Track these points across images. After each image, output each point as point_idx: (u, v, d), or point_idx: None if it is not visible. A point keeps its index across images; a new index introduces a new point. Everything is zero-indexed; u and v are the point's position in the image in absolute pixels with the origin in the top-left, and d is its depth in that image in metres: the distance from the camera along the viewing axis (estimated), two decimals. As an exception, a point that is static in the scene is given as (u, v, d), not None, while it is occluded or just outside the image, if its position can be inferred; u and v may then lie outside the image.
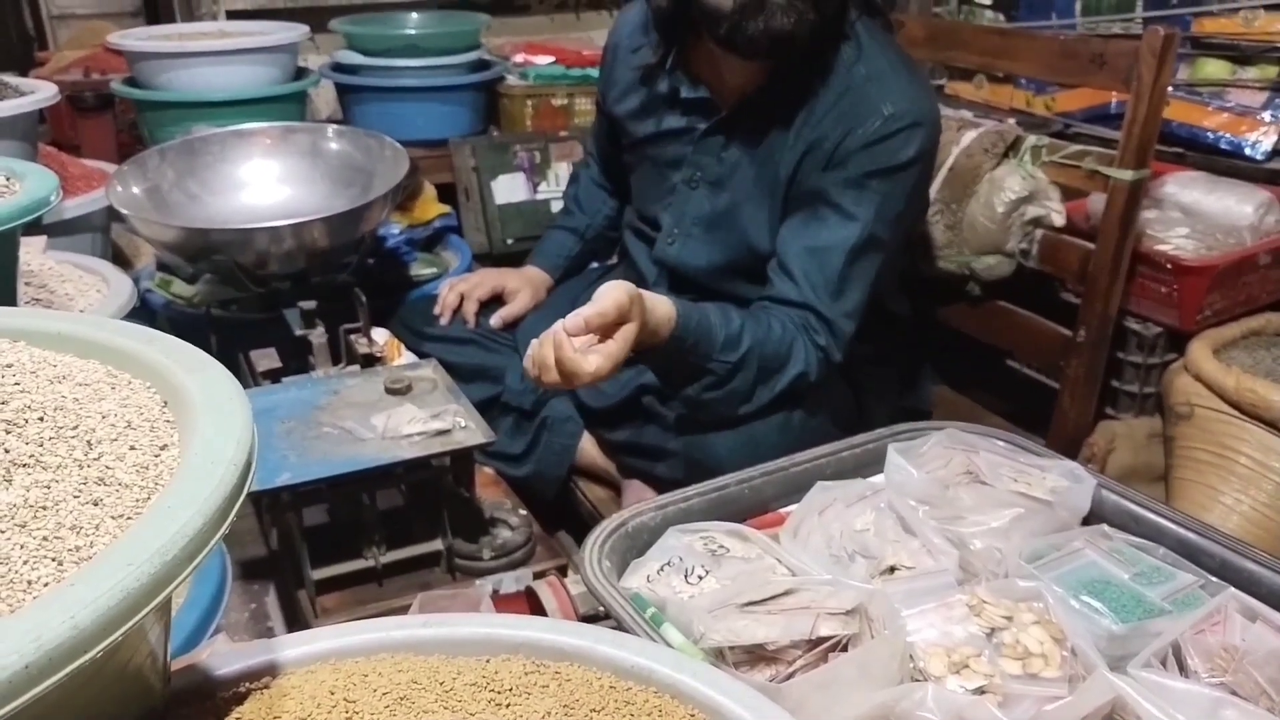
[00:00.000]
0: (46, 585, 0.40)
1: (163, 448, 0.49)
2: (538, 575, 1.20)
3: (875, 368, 1.47)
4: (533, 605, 1.07)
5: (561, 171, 2.23)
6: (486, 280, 1.65)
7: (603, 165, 1.70)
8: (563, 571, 1.21)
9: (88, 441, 0.48)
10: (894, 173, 1.27)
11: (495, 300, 1.64)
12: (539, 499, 1.50)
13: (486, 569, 1.21)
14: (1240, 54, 1.92)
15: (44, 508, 0.43)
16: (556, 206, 2.21)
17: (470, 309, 1.62)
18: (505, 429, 1.51)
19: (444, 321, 1.62)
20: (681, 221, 1.44)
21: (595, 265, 1.78)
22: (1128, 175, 1.44)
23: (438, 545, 1.20)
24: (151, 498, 0.45)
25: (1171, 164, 1.73)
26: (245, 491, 0.46)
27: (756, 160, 1.35)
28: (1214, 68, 1.93)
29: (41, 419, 0.48)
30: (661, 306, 1.16)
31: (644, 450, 1.43)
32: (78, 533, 0.42)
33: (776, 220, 1.35)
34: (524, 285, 1.64)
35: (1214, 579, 0.87)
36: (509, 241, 2.17)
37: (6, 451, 0.45)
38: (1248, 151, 1.73)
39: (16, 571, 0.40)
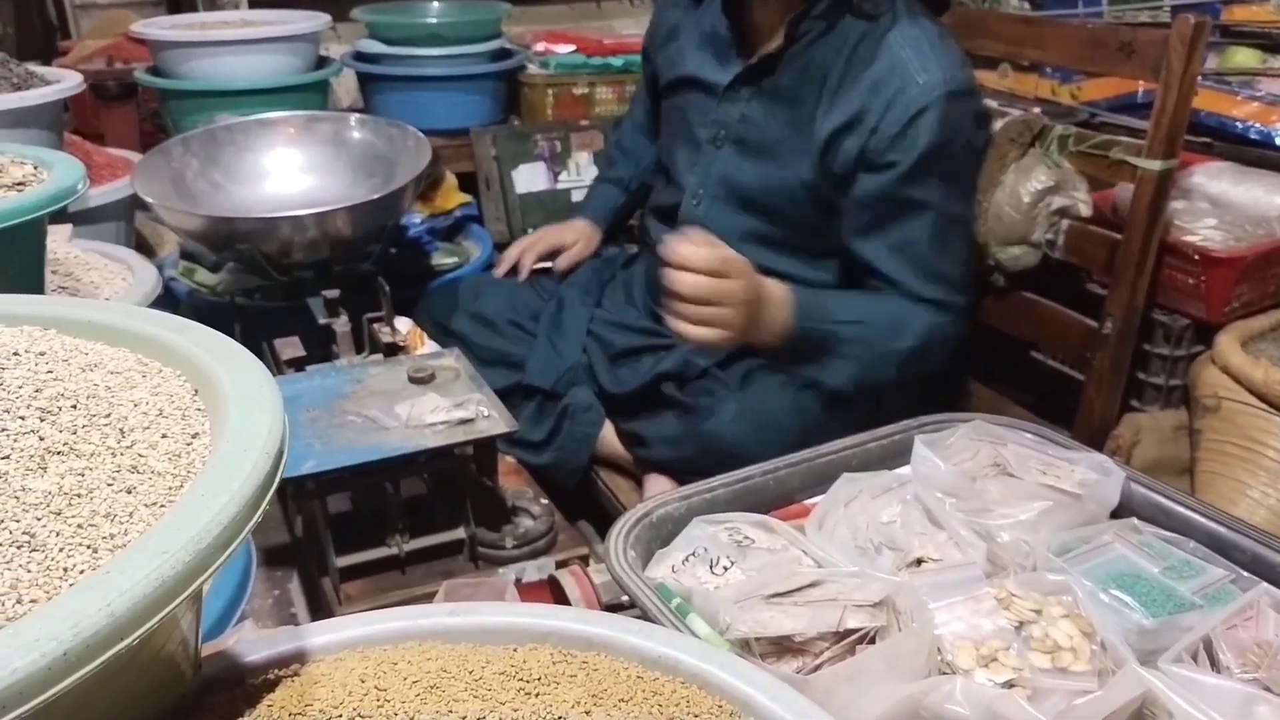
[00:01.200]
0: (82, 573, 0.40)
1: (194, 436, 0.49)
2: (560, 564, 1.20)
3: None
4: (555, 594, 1.07)
5: (582, 161, 2.22)
6: (546, 237, 1.75)
7: (646, 124, 1.74)
8: (585, 561, 1.21)
9: (120, 429, 0.48)
10: (946, 149, 1.28)
11: (552, 258, 1.73)
12: (560, 487, 1.50)
13: (509, 558, 1.22)
14: (1271, 42, 1.89)
15: (78, 495, 0.43)
16: (577, 196, 2.20)
17: (527, 262, 1.71)
18: (527, 415, 1.51)
19: (499, 273, 1.73)
20: (707, 182, 1.44)
21: (615, 250, 1.79)
22: (1156, 165, 1.42)
23: (460, 534, 1.20)
24: (184, 485, 0.45)
25: (1199, 154, 1.70)
26: (277, 479, 0.46)
27: (783, 122, 1.36)
28: (1244, 56, 1.91)
29: (75, 407, 0.48)
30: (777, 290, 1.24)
31: (661, 439, 1.43)
32: (112, 520, 0.42)
33: (805, 184, 1.35)
34: (579, 238, 1.74)
35: (1245, 574, 0.86)
36: (529, 231, 2.16)
37: (41, 439, 0.45)
38: (1278, 141, 1.70)
39: (53, 559, 0.40)
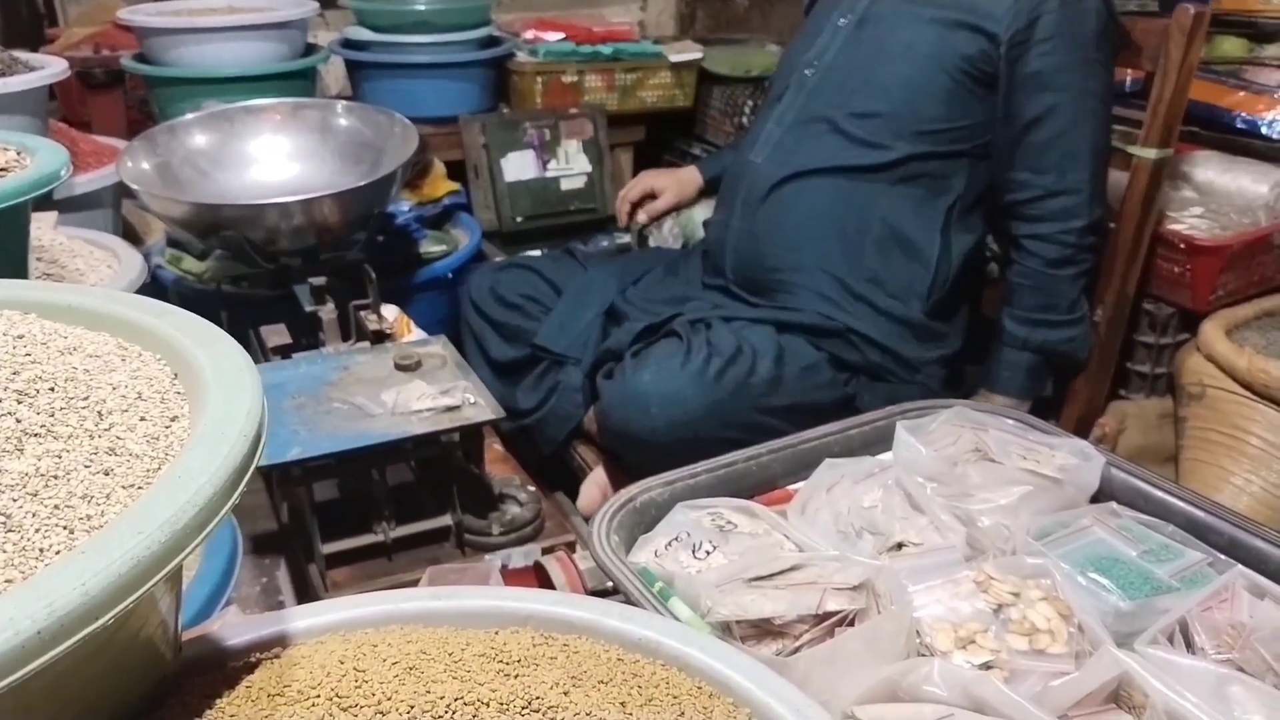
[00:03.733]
0: (58, 553, 0.40)
1: (173, 419, 0.49)
2: (546, 551, 1.20)
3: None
4: (541, 580, 1.08)
5: (571, 148, 2.22)
6: (642, 182, 1.89)
7: None
8: (571, 547, 1.22)
9: (98, 412, 0.48)
10: (1105, 39, 1.39)
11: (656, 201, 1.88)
12: (538, 455, 1.57)
13: (495, 544, 1.22)
14: (1258, 31, 1.89)
15: (55, 477, 0.43)
16: (566, 184, 2.20)
17: (624, 211, 1.88)
18: (527, 385, 1.58)
19: (621, 224, 1.93)
20: (825, 54, 1.50)
21: (660, 249, 1.90)
22: (1152, 154, 1.43)
23: (447, 520, 1.21)
24: (162, 468, 0.46)
25: (1186, 143, 1.71)
26: (255, 463, 0.46)
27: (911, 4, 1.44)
28: (1231, 45, 1.91)
29: (53, 389, 0.48)
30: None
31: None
32: (89, 501, 0.43)
33: (923, 64, 1.41)
34: (670, 184, 1.85)
35: (1222, 556, 0.87)
36: (519, 219, 2.17)
37: (18, 421, 0.45)
38: (1264, 130, 1.71)
39: (29, 539, 0.40)
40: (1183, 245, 1.49)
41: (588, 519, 1.43)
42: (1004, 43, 1.37)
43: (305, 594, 1.24)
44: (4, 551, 0.39)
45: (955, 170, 1.45)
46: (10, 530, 0.40)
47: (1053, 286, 1.42)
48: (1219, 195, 1.61)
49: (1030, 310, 1.43)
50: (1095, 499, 0.97)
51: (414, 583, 1.12)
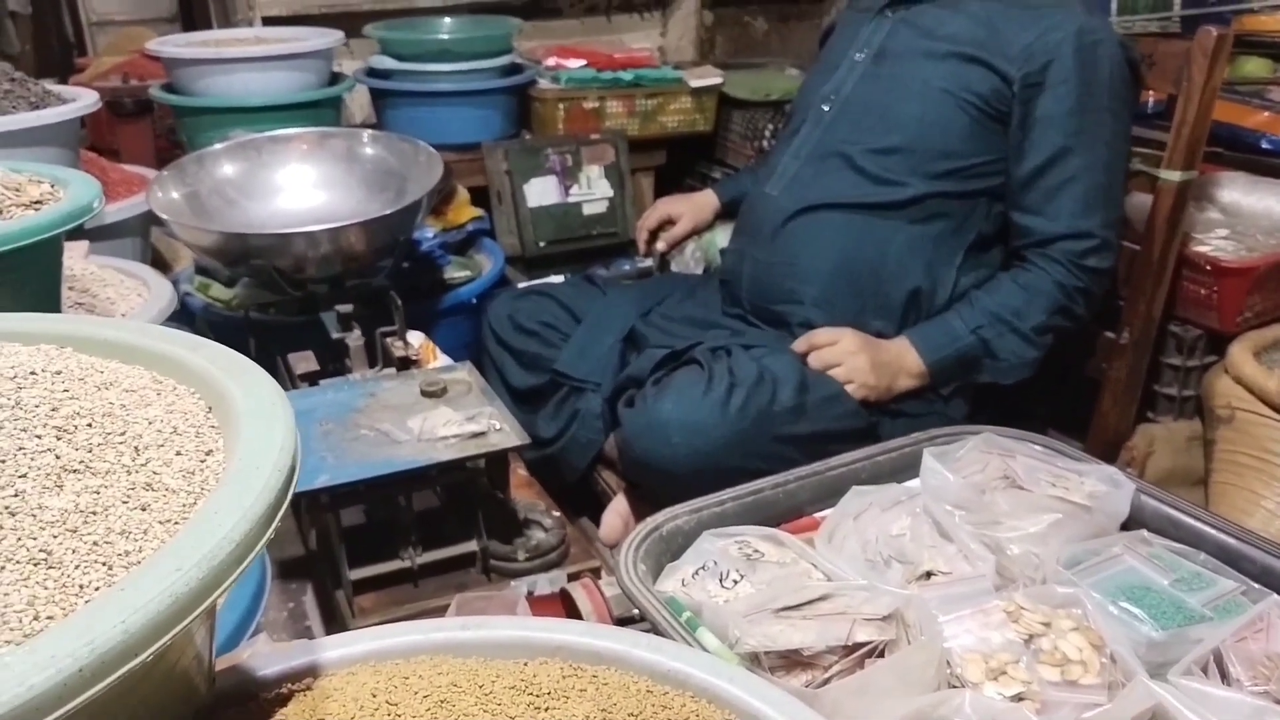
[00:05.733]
0: (98, 589, 0.40)
1: (208, 453, 0.50)
2: (572, 577, 1.20)
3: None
4: (567, 607, 1.08)
5: (593, 174, 2.23)
6: (658, 209, 1.92)
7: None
8: (596, 574, 1.22)
9: (135, 447, 0.48)
10: (1113, 84, 1.38)
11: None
12: (562, 483, 1.56)
13: (521, 570, 1.22)
14: (1281, 52, 1.89)
15: (94, 513, 0.44)
16: (589, 209, 2.22)
17: (642, 239, 1.92)
18: (547, 413, 1.58)
19: (641, 252, 1.94)
20: (841, 89, 1.52)
21: (679, 274, 1.90)
22: (1176, 176, 1.42)
23: (473, 546, 1.21)
24: (198, 503, 0.46)
25: (1210, 164, 1.70)
26: (289, 496, 0.46)
27: (922, 34, 1.45)
28: (1254, 66, 1.90)
29: (90, 425, 0.49)
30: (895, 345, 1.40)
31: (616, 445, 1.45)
32: (127, 537, 0.43)
33: (939, 99, 1.42)
34: (686, 210, 1.88)
35: (1256, 585, 0.86)
36: (542, 244, 2.18)
37: (57, 458, 0.46)
38: (1289, 150, 1.70)
39: (69, 576, 0.40)
40: (1209, 267, 1.48)
41: (610, 548, 1.43)
42: (1016, 82, 1.37)
43: (332, 620, 1.25)
44: (45, 588, 0.39)
45: (973, 210, 1.44)
46: (51, 567, 0.40)
47: (1035, 298, 1.38)
48: (1245, 216, 1.60)
49: (1000, 305, 1.39)
50: (1125, 526, 0.97)
51: (440, 609, 1.12)
